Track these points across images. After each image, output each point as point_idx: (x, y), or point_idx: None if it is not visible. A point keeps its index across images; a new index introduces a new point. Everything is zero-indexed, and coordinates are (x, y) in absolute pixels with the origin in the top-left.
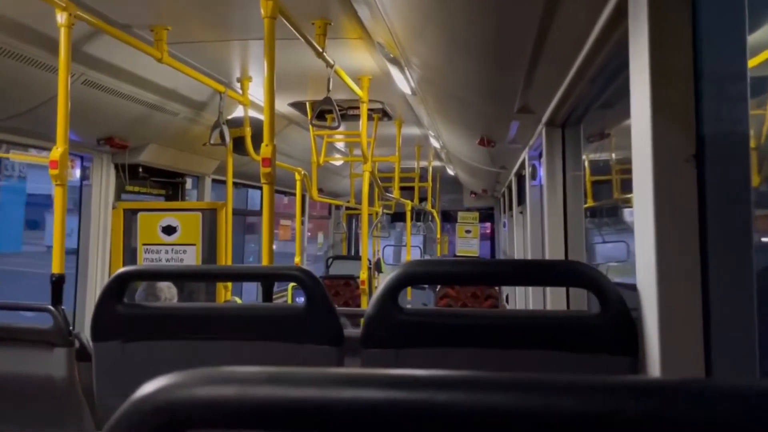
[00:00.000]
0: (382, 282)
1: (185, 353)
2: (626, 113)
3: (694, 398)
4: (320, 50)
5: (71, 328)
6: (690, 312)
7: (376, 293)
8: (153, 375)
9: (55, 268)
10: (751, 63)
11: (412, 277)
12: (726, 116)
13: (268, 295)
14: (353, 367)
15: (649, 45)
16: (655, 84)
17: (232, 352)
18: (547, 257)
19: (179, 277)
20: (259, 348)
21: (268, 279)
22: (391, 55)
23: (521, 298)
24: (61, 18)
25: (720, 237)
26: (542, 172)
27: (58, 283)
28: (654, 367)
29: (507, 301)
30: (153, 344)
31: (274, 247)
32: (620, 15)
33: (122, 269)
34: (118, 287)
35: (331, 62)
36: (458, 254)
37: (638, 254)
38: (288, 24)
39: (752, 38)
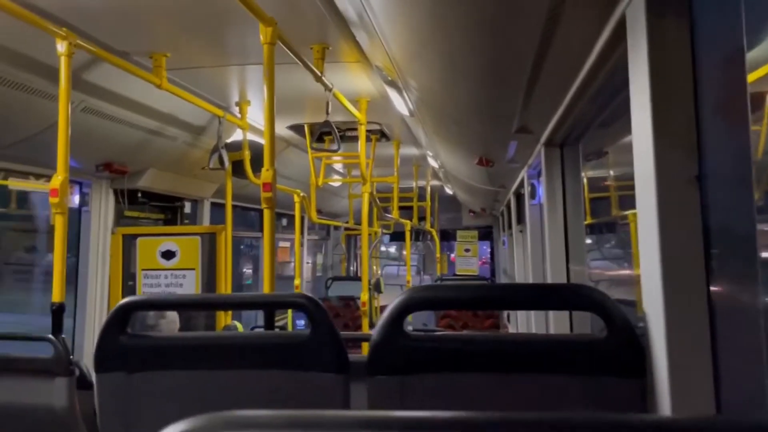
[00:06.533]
0: (387, 308)
1: (190, 384)
2: (626, 131)
3: None
4: (319, 74)
5: (71, 356)
6: (698, 334)
7: (381, 319)
8: (157, 407)
9: (56, 297)
10: (751, 78)
11: (418, 302)
12: (728, 136)
13: (270, 322)
14: (359, 393)
15: (648, 66)
16: (656, 106)
17: (237, 382)
18: (548, 276)
19: (182, 306)
20: (265, 377)
21: (271, 307)
22: (389, 78)
23: (523, 318)
24: (61, 47)
25: (726, 258)
26: (542, 191)
27: (58, 312)
28: (663, 390)
29: (508, 320)
30: (157, 375)
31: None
32: (619, 36)
33: (126, 299)
34: (121, 318)
35: (330, 86)
36: (458, 273)
37: (643, 277)
38: (287, 49)
39: (751, 56)
